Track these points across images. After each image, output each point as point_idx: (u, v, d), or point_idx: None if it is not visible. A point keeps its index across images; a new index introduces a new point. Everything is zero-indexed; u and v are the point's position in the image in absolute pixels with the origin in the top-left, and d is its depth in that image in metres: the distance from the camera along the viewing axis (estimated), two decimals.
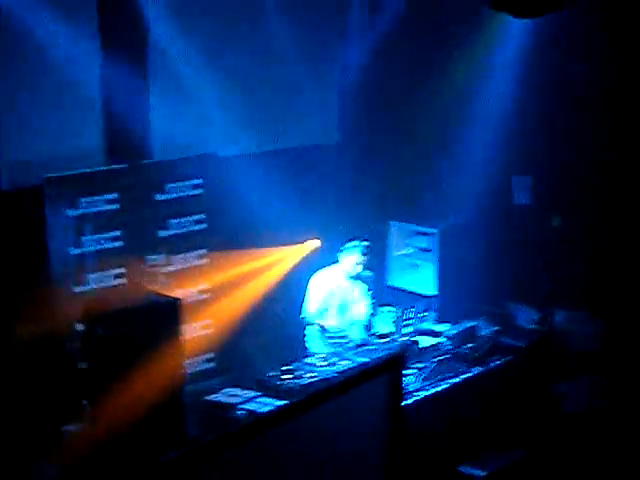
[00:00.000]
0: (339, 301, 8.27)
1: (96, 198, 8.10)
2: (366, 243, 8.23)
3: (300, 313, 8.21)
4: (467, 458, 7.52)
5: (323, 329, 8.23)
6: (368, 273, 8.43)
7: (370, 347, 8.06)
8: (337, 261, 8.31)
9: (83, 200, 8.02)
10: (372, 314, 8.39)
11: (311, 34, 9.50)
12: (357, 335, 8.23)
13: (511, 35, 9.02)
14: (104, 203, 8.16)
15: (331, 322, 8.23)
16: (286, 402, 6.20)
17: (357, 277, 8.32)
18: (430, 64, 9.53)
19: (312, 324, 8.21)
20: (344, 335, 8.22)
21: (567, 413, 8.48)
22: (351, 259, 8.21)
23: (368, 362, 7.55)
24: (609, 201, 9.23)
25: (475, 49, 9.34)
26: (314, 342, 8.29)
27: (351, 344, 8.15)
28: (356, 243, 8.22)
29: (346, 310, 8.32)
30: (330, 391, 4.95)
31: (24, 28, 7.46)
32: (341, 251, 8.27)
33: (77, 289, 7.97)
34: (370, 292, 8.43)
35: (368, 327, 8.35)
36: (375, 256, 9.79)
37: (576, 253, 9.50)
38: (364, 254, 8.22)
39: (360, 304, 8.38)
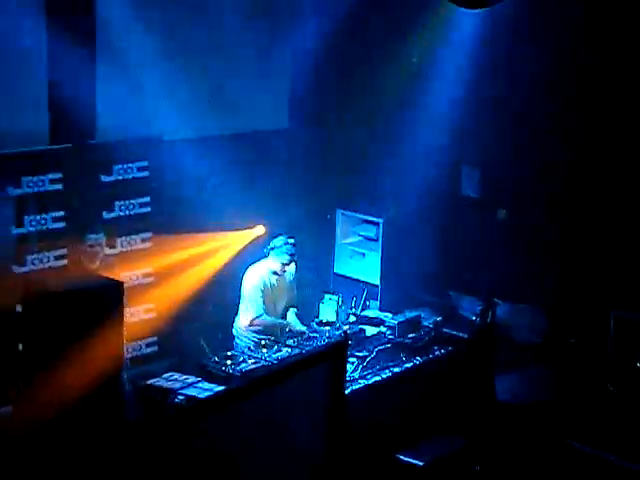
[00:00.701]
0: (270, 296, 8.21)
1: (39, 177, 7.98)
2: (292, 241, 8.15)
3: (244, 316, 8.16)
4: (406, 447, 7.56)
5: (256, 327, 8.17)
6: (292, 273, 8.37)
7: (313, 335, 8.05)
8: (266, 255, 8.24)
9: (26, 179, 7.89)
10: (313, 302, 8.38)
11: (263, 17, 9.44)
12: (297, 324, 8.20)
13: (463, 21, 9.02)
14: (47, 183, 8.04)
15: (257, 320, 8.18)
16: (226, 388, 6.18)
17: (282, 274, 8.27)
18: (381, 50, 9.51)
19: (266, 322, 8.15)
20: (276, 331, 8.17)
21: (507, 404, 8.56)
22: (279, 259, 8.14)
23: (310, 350, 7.56)
24: (555, 195, 9.32)
25: (426, 34, 9.33)
26: (243, 332, 8.25)
27: (289, 334, 8.11)
28: (284, 240, 8.13)
29: (274, 306, 8.27)
30: (271, 378, 4.94)
31: None
32: (270, 249, 8.18)
33: (17, 269, 7.85)
34: (294, 282, 8.40)
35: (299, 316, 8.32)
36: (322, 243, 9.84)
37: (520, 246, 9.57)
38: (291, 254, 8.15)
39: (290, 295, 8.35)
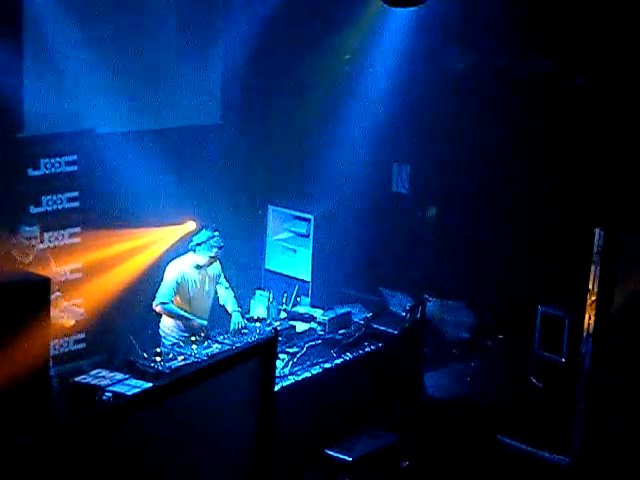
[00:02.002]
0: (189, 292, 8.12)
1: None
2: (217, 234, 8.05)
3: (155, 299, 8.05)
4: (336, 443, 7.59)
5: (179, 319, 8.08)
6: (217, 267, 8.29)
7: (243, 331, 8.03)
8: (191, 250, 8.12)
9: None
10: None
11: (194, 13, 9.39)
12: (234, 320, 8.14)
13: (392, 20, 9.10)
14: None
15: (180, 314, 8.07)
16: (154, 385, 6.13)
17: (205, 268, 8.18)
18: (312, 46, 9.54)
19: (170, 311, 8.05)
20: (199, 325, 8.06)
21: (437, 399, 8.67)
22: (206, 254, 8.05)
23: (241, 346, 7.54)
24: (484, 192, 9.45)
25: (357, 33, 9.41)
26: (168, 331, 8.17)
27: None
28: (209, 234, 8.04)
29: (195, 301, 8.17)
30: (200, 374, 4.91)
31: None
32: (197, 244, 8.06)
33: None
34: (221, 278, 8.34)
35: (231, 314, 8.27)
36: (254, 239, 9.82)
37: (450, 243, 9.69)
38: (219, 247, 8.04)
39: (223, 293, 8.31)
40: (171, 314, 8.01)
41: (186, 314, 8.01)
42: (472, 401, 8.68)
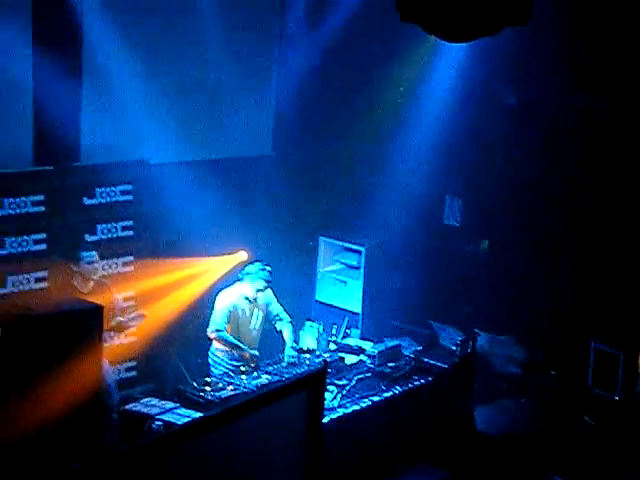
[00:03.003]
0: (239, 322, 8.17)
1: (21, 199, 7.95)
2: (269, 269, 8.13)
3: (209, 327, 8.11)
4: (385, 478, 7.52)
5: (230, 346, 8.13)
6: (270, 297, 8.34)
7: (293, 362, 8.02)
8: (240, 279, 8.20)
9: (7, 200, 7.87)
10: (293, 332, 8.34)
11: (249, 45, 9.49)
12: (287, 354, 8.15)
13: (445, 52, 9.12)
14: (29, 204, 8.01)
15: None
16: (204, 415, 6.14)
17: (253, 301, 8.23)
18: (366, 77, 9.58)
19: (225, 340, 8.10)
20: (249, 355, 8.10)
21: (487, 435, 8.56)
22: (254, 285, 8.11)
23: (290, 377, 7.53)
24: (537, 226, 9.37)
25: (411, 65, 9.42)
26: (218, 360, 8.20)
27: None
28: (260, 267, 8.11)
29: (244, 331, 8.21)
30: (249, 405, 4.92)
31: None
32: (245, 274, 8.15)
33: None
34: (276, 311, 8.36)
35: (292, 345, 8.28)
36: (305, 270, 9.83)
37: (502, 277, 9.61)
38: (267, 281, 8.12)
39: (283, 326, 8.34)
40: (225, 342, 8.06)
41: (239, 343, 8.05)
42: (523, 437, 8.56)
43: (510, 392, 9.26)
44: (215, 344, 8.15)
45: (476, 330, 9.19)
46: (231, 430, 4.66)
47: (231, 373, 7.83)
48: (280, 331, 8.32)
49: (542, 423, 8.74)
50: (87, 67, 8.29)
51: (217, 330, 8.04)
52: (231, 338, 8.06)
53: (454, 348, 8.50)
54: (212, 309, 8.18)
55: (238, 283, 8.20)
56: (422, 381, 8.13)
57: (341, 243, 9.80)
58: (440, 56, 9.19)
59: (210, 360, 8.19)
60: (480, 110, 9.34)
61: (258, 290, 8.12)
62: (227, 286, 8.30)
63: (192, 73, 9.06)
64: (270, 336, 8.46)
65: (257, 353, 8.08)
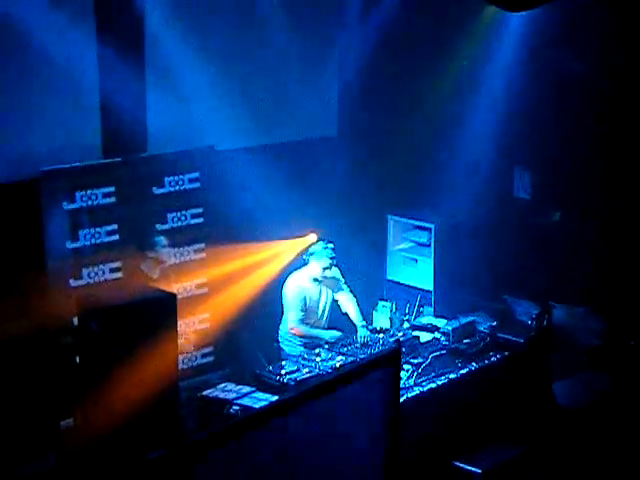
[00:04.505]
0: (309, 305, 8.23)
1: (93, 191, 8.07)
2: (332, 246, 8.20)
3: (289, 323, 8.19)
4: (464, 454, 7.49)
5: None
6: (338, 276, 8.38)
7: (367, 342, 8.01)
8: (306, 263, 8.29)
9: (80, 193, 7.99)
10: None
11: (310, 25, 9.46)
12: (360, 334, 8.16)
13: (511, 26, 8.98)
14: (100, 197, 8.13)
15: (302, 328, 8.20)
16: (280, 397, 6.18)
17: (322, 280, 8.28)
18: (430, 55, 9.48)
19: (308, 333, 8.17)
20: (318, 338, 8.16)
21: (566, 409, 8.45)
22: (319, 264, 8.17)
23: (365, 357, 7.53)
24: (610, 196, 9.19)
25: (475, 39, 9.30)
26: (289, 346, 8.27)
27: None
28: (323, 245, 8.19)
29: (315, 313, 8.26)
30: (325, 386, 4.92)
31: (22, 22, 7.41)
32: (310, 254, 8.23)
33: (73, 283, 7.95)
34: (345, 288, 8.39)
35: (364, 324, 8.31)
36: (375, 250, 9.81)
37: (576, 248, 9.46)
38: (331, 258, 8.18)
39: (345, 301, 8.33)
40: (307, 334, 8.13)
41: (320, 333, 8.09)
42: (603, 410, 8.43)
43: (590, 364, 9.12)
44: (282, 326, 8.20)
45: (551, 303, 9.07)
46: (308, 412, 4.68)
47: (305, 355, 7.87)
48: (345, 313, 8.33)
49: (622, 395, 8.59)
50: (150, 57, 8.36)
51: (297, 323, 8.11)
52: (313, 330, 8.16)
53: (529, 322, 8.41)
54: (281, 294, 8.24)
55: (304, 267, 8.24)
56: (498, 356, 8.07)
57: (410, 221, 9.74)
58: (502, 27, 9.06)
59: (279, 337, 8.28)
60: (545, 79, 9.18)
61: (325, 269, 8.17)
62: (294, 270, 8.33)
63: (255, 58, 9.06)
64: (344, 318, 8.48)
65: (340, 334, 8.11)
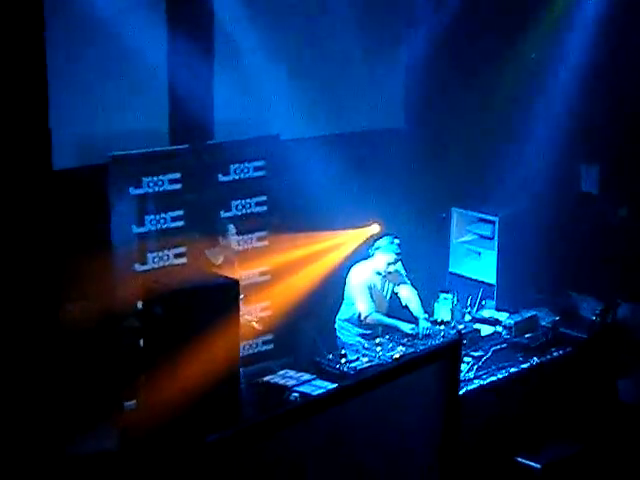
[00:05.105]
0: (374, 297, 8.21)
1: (159, 178, 8.17)
2: (398, 241, 8.18)
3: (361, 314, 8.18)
4: (524, 449, 7.44)
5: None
6: (401, 270, 8.36)
7: (428, 334, 8.00)
8: (371, 255, 8.27)
9: (146, 179, 8.10)
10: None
11: (376, 14, 9.44)
12: (421, 325, 8.14)
13: (579, 18, 8.86)
14: (167, 183, 8.23)
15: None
16: (339, 385, 6.19)
17: (386, 275, 8.27)
18: (497, 48, 9.40)
19: (381, 321, 8.17)
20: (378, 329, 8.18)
21: (629, 406, 8.34)
22: (384, 258, 8.16)
23: (425, 349, 7.52)
24: None
25: (543, 29, 9.19)
26: (346, 335, 8.28)
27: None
28: (389, 240, 8.17)
29: (378, 306, 8.25)
30: (384, 376, 4.92)
31: (93, 11, 7.52)
32: (376, 248, 8.22)
33: (138, 267, 8.07)
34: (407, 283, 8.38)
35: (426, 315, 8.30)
36: (437, 242, 9.77)
37: None
38: (397, 253, 8.16)
39: (406, 294, 8.33)
40: (383, 323, 8.13)
41: (398, 323, 8.10)
42: None
43: None
44: (341, 314, 8.24)
45: (617, 299, 8.94)
46: (366, 401, 4.68)
47: (366, 344, 7.89)
48: (405, 306, 8.32)
49: None
50: (219, 45, 8.43)
51: (370, 314, 8.11)
52: (387, 319, 8.15)
53: (594, 318, 8.31)
54: (344, 284, 8.26)
55: (369, 259, 8.24)
56: (560, 352, 8.00)
57: (474, 213, 9.68)
58: (573, 18, 8.94)
59: (336, 325, 8.30)
60: (616, 74, 9.04)
61: (389, 263, 8.15)
62: (358, 261, 8.34)
63: (321, 47, 9.09)
64: (404, 310, 8.47)
65: (414, 326, 8.10)
